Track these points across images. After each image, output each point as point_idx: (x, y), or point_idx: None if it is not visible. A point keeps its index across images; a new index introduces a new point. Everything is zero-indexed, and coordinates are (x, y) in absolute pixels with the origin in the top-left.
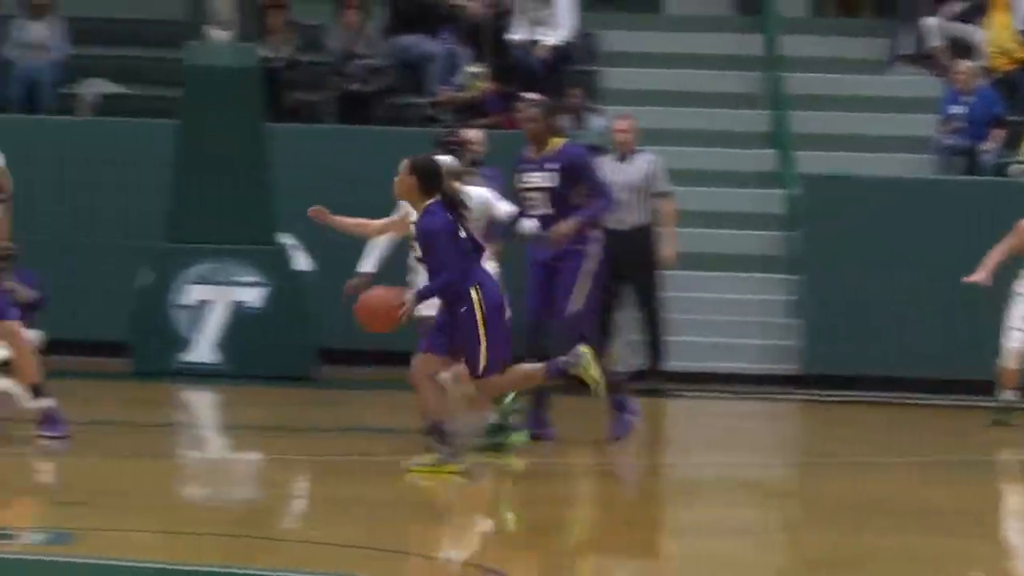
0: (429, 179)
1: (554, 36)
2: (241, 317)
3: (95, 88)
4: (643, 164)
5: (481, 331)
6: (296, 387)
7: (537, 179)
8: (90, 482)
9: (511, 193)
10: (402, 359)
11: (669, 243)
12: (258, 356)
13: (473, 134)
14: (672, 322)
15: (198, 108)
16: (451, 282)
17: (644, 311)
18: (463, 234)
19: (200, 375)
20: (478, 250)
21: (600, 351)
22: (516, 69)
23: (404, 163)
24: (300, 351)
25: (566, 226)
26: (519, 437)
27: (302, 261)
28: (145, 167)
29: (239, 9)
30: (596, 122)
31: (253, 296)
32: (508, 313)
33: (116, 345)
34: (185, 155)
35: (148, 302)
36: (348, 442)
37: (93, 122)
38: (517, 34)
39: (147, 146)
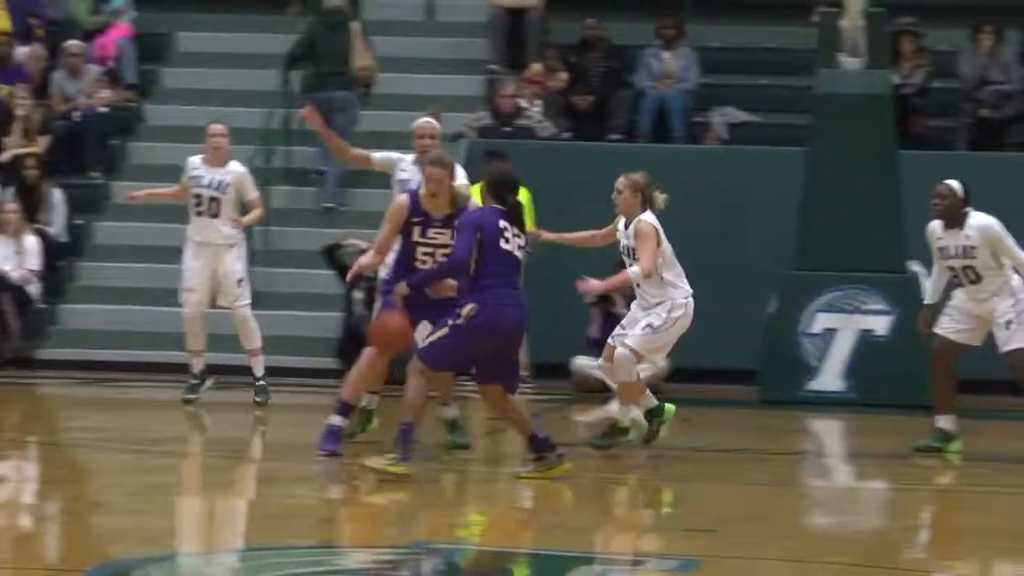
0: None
1: None
2: (868, 346)
3: (725, 117)
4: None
5: (445, 329)
6: (921, 415)
7: None
8: (719, 509)
9: None
10: None
11: None
12: (885, 384)
13: None
14: None
15: (827, 135)
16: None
17: None
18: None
19: (827, 403)
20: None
21: None
22: None
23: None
24: (926, 379)
25: None
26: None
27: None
28: (773, 195)
29: (871, 36)
30: None
31: (881, 325)
32: None
33: (745, 372)
34: (814, 182)
35: (777, 330)
36: (985, 474)
37: (722, 150)
38: None
39: (776, 174)
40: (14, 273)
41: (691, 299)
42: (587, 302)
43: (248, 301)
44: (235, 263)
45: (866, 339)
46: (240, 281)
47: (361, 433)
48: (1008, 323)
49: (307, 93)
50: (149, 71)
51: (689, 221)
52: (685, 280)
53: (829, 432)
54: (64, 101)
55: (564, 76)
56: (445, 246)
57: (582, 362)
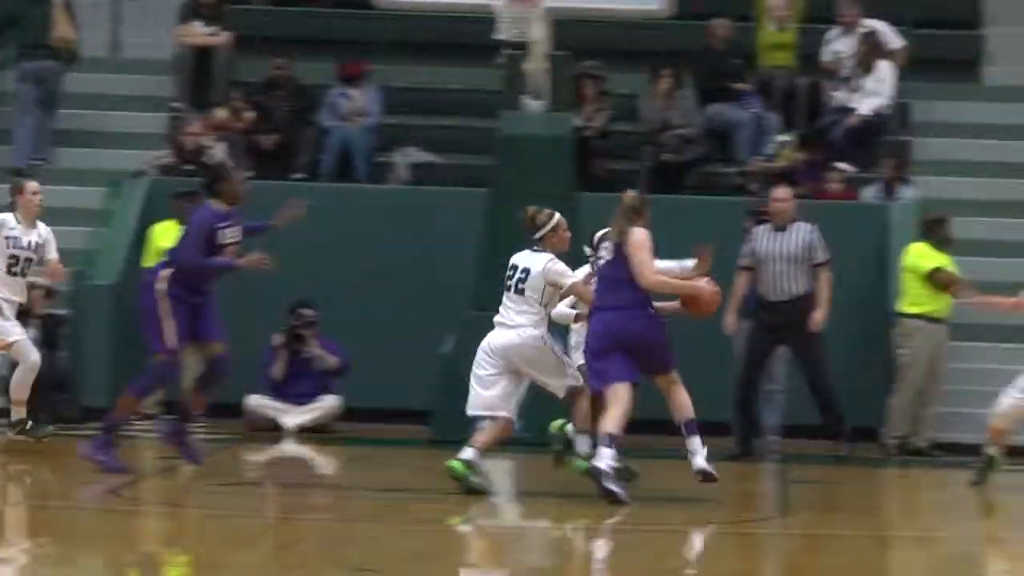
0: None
1: (869, 104)
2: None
3: (408, 157)
4: (802, 235)
5: None
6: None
7: None
8: (389, 548)
9: None
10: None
11: (822, 308)
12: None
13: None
14: (960, 393)
15: (509, 176)
16: None
17: (809, 374)
18: None
19: (499, 442)
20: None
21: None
22: (823, 137)
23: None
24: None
25: None
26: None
27: None
28: (455, 236)
29: (554, 79)
30: (907, 192)
31: None
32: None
33: (418, 413)
34: (495, 223)
35: (450, 370)
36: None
37: (405, 190)
38: (835, 101)
39: (458, 215)
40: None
41: None
42: (273, 344)
43: None
44: None
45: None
46: None
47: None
48: None
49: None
50: None
51: (371, 261)
52: None
53: (500, 471)
54: None
55: (250, 116)
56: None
57: (257, 401)
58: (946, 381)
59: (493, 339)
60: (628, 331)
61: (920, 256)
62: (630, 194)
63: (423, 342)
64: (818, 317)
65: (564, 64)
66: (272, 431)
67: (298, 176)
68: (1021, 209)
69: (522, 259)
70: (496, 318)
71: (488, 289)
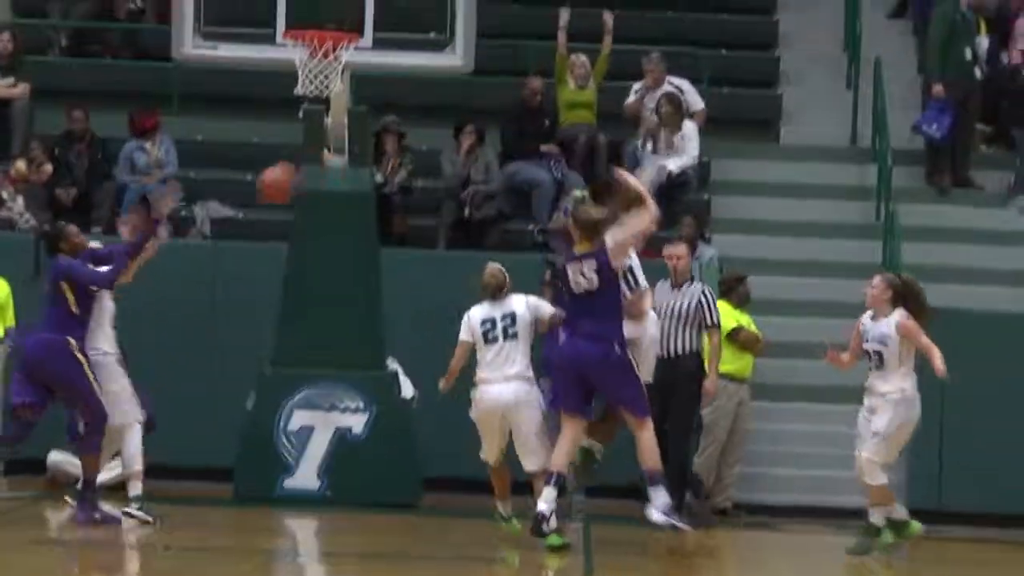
0: None
1: (675, 163)
2: (345, 443)
3: (208, 211)
4: (695, 294)
5: None
6: (400, 514)
7: None
8: None
9: None
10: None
11: (712, 374)
12: (360, 483)
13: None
14: (764, 454)
15: (310, 231)
16: None
17: (673, 436)
18: None
19: (303, 501)
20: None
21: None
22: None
23: None
24: (404, 478)
25: None
26: None
27: (407, 388)
28: (255, 290)
29: (355, 134)
30: (706, 251)
31: (358, 422)
32: None
33: (225, 471)
34: (295, 278)
35: (253, 427)
36: (447, 571)
37: (206, 244)
38: (639, 159)
39: (258, 269)
40: None
41: None
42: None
43: None
44: None
45: (343, 436)
46: None
47: None
48: None
49: None
50: None
51: (171, 316)
52: None
53: (304, 530)
54: None
55: (48, 168)
56: None
57: (59, 457)
58: (750, 441)
59: (502, 394)
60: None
61: (720, 315)
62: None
63: (224, 400)
64: (709, 385)
65: (365, 119)
66: (74, 487)
67: (97, 230)
68: (818, 268)
69: (496, 309)
70: (486, 375)
71: (289, 345)
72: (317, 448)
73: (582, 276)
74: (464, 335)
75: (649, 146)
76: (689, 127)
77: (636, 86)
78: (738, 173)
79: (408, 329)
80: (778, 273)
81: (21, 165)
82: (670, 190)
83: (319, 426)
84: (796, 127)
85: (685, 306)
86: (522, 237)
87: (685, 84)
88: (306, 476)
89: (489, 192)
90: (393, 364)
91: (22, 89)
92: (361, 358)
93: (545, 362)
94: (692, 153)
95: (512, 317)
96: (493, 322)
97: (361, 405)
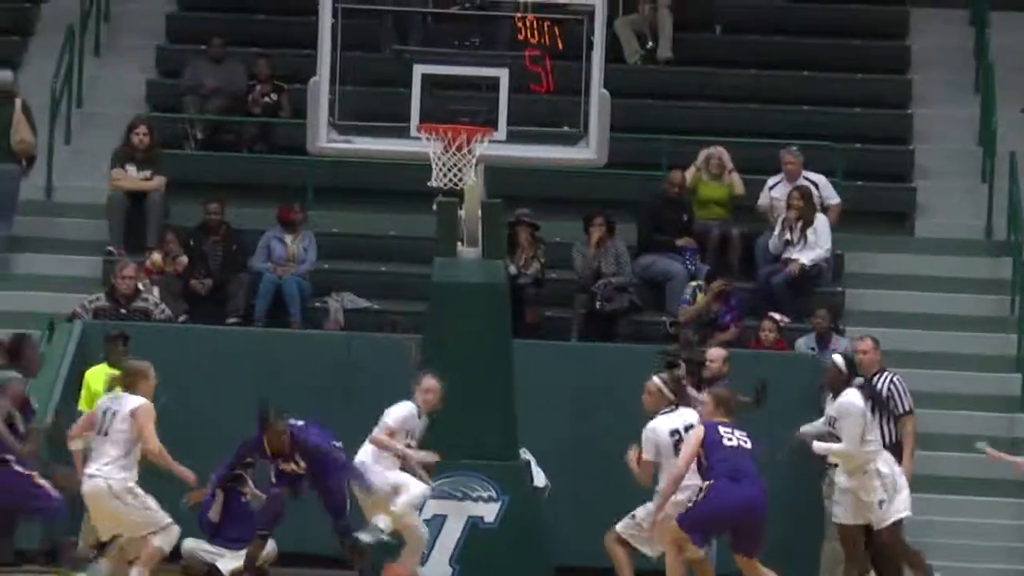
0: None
1: (808, 255)
2: (477, 532)
3: (342, 302)
4: (885, 383)
5: None
6: None
7: None
8: None
9: None
10: None
11: (908, 461)
12: (492, 571)
13: (714, 352)
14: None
15: (443, 322)
16: None
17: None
18: None
19: None
20: None
21: None
22: (762, 289)
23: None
24: (535, 567)
25: None
26: None
27: (540, 477)
28: (390, 381)
29: (487, 226)
30: (840, 343)
31: (490, 511)
32: None
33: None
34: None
35: None
36: None
37: (339, 335)
38: (771, 249)
39: (392, 359)
40: None
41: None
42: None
43: None
44: None
45: (475, 525)
46: None
47: None
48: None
49: None
50: None
51: (305, 404)
52: None
53: None
54: None
55: (184, 260)
56: None
57: (193, 544)
58: None
59: None
60: None
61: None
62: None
63: None
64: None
65: (497, 211)
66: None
67: (231, 320)
68: (949, 360)
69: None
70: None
71: (423, 435)
72: (450, 537)
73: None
74: (650, 454)
75: (785, 236)
76: (821, 220)
77: (771, 181)
78: (871, 266)
79: (541, 419)
80: (910, 365)
81: (157, 257)
82: (803, 282)
83: (452, 515)
84: (930, 220)
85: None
86: (654, 329)
87: (821, 179)
88: (439, 564)
89: (620, 284)
90: (526, 454)
91: (158, 182)
92: (494, 448)
93: None
94: (825, 246)
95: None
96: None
97: (494, 494)
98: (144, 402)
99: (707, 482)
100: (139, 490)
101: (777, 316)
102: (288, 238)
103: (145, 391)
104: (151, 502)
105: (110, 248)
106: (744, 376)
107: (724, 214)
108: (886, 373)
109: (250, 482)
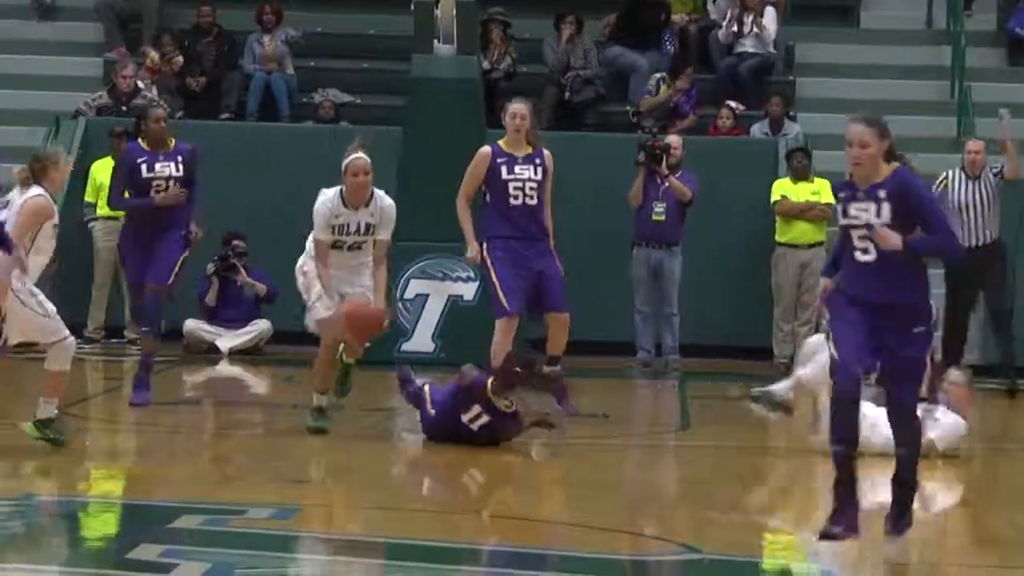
0: None
1: (761, 47)
2: (456, 310)
3: (329, 98)
4: (992, 180)
5: None
6: None
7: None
8: (314, 461)
9: None
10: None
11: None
12: (470, 345)
13: (673, 139)
14: None
15: (422, 116)
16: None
17: (995, 316)
18: None
19: (419, 362)
20: None
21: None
22: (723, 79)
23: None
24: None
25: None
26: None
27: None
28: (375, 172)
29: (462, 24)
30: (792, 129)
31: (467, 291)
32: None
33: None
34: (409, 160)
35: None
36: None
37: (326, 129)
38: (725, 43)
39: (377, 152)
40: None
41: None
42: (207, 273)
43: None
44: None
45: (455, 303)
46: None
47: None
48: None
49: None
50: None
51: (293, 197)
52: None
53: None
54: None
55: (179, 59)
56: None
57: (193, 325)
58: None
59: None
60: None
61: (775, 189)
62: None
63: None
64: None
65: (471, 10)
66: (208, 353)
67: (225, 116)
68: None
69: None
70: None
71: (406, 221)
72: (432, 314)
73: None
74: None
75: (733, 28)
76: (770, 13)
77: None
78: (821, 57)
79: None
80: None
81: (155, 55)
82: (759, 72)
83: (433, 294)
84: (874, 11)
85: (986, 195)
86: (619, 119)
87: None
88: (422, 339)
89: (587, 76)
90: None
91: None
92: None
93: None
94: (772, 38)
95: None
96: None
97: (471, 274)
98: (39, 197)
99: None
100: (41, 295)
101: (733, 104)
102: (266, 38)
103: (54, 179)
104: (50, 307)
105: (113, 49)
106: (704, 161)
107: (692, 9)
108: (987, 170)
109: (243, 270)
